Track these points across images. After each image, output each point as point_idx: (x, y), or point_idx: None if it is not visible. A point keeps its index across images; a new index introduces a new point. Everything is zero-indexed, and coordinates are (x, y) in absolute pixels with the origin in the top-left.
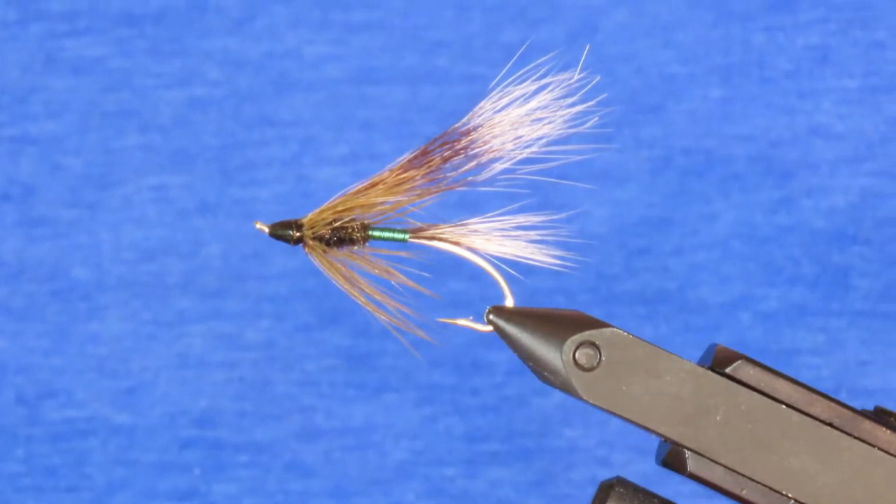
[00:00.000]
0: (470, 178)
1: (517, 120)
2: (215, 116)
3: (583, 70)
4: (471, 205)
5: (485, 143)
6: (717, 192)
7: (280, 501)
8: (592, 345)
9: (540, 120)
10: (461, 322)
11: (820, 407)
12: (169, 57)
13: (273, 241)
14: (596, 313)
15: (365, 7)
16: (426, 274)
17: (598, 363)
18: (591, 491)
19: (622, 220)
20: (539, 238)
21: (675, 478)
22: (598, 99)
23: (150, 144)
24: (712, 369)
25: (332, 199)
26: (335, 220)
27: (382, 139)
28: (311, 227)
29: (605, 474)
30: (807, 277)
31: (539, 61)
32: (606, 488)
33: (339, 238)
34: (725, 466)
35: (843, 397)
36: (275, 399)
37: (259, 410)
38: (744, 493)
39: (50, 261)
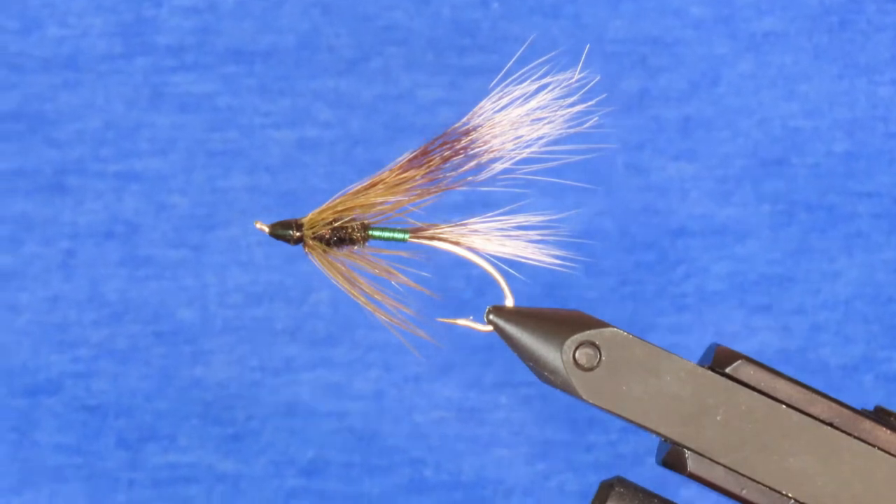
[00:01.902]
0: (470, 178)
1: (517, 119)
2: (325, 159)
3: (703, 121)
4: (471, 205)
5: (485, 142)
6: (839, 250)
7: None
8: (592, 345)
9: (540, 120)
10: (461, 322)
11: (820, 407)
12: (278, 96)
13: None
14: None
15: (479, 51)
16: (426, 274)
17: (598, 363)
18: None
19: (742, 277)
20: (539, 238)
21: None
22: (598, 99)
23: (258, 185)
24: (712, 369)
25: (332, 199)
26: (335, 220)
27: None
28: (311, 227)
29: None
30: None
31: (539, 61)
32: (606, 488)
33: (339, 238)
34: (725, 466)
35: None
36: (383, 451)
37: (367, 462)
38: (744, 493)
39: (154, 302)
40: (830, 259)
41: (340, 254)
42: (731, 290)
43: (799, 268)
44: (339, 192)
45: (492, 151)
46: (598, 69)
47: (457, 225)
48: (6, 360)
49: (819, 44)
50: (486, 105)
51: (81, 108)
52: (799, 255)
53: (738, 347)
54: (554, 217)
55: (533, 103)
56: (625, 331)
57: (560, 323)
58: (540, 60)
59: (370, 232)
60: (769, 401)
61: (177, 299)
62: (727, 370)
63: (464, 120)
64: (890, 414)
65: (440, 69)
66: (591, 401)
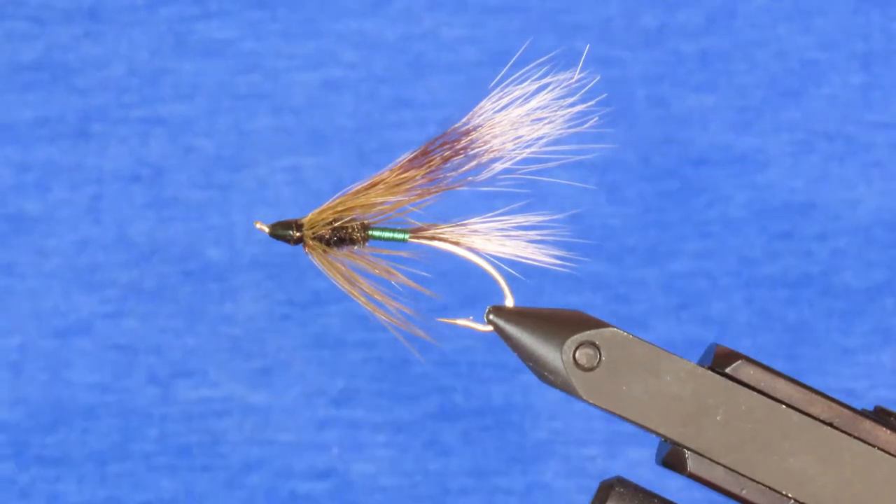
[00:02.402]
0: (470, 178)
1: (517, 119)
2: (350, 98)
3: (721, 54)
4: (471, 205)
5: (485, 142)
6: (859, 178)
7: (418, 481)
8: (592, 345)
9: (540, 119)
10: (461, 322)
11: (820, 407)
12: (302, 39)
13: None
14: (738, 297)
15: None
16: (426, 274)
17: (598, 363)
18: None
19: (764, 205)
20: (539, 238)
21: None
22: (597, 99)
23: (284, 126)
24: (712, 369)
25: (332, 199)
26: (335, 220)
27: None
28: (311, 227)
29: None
30: None
31: (539, 60)
32: (606, 488)
33: (340, 238)
34: (725, 466)
35: None
36: (413, 379)
37: (396, 390)
38: (744, 493)
39: (182, 242)
40: (850, 187)
41: (340, 254)
42: (753, 217)
43: (819, 195)
44: (340, 192)
45: (492, 151)
46: (618, 4)
47: (457, 225)
48: (36, 303)
49: None
50: (487, 105)
51: (104, 57)
52: (819, 182)
53: (761, 270)
54: (554, 217)
55: (533, 103)
56: (625, 331)
57: (560, 323)
58: (541, 60)
59: (370, 232)
60: (769, 401)
61: (204, 239)
62: (727, 370)
63: (464, 120)
64: (890, 414)
65: (462, 7)
66: (590, 401)
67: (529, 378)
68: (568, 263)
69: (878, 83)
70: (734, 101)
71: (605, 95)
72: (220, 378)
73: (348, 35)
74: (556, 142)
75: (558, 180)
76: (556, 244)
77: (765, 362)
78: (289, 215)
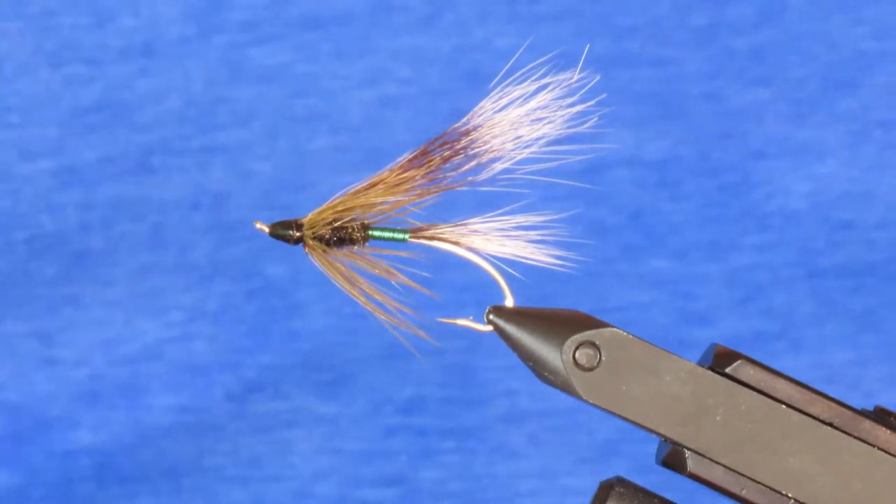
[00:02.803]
0: (470, 178)
1: (518, 119)
2: (407, 114)
3: (774, 47)
4: (471, 205)
5: (485, 142)
6: None
7: (487, 484)
8: (592, 345)
9: (541, 119)
10: (461, 322)
11: (820, 407)
12: (355, 58)
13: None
14: (801, 288)
15: None
16: (426, 273)
17: (598, 363)
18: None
19: (824, 196)
20: (540, 238)
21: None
22: (597, 99)
23: (342, 145)
24: (712, 369)
25: (332, 199)
26: (335, 220)
27: (579, 123)
28: (311, 227)
29: None
30: None
31: (540, 60)
32: (606, 488)
33: (339, 238)
34: (725, 466)
35: None
36: (480, 384)
37: (463, 396)
38: (744, 493)
39: (244, 262)
40: None
41: (340, 254)
42: (814, 208)
43: (878, 184)
44: (339, 192)
45: (492, 151)
46: (669, 4)
47: (457, 225)
48: (100, 332)
49: None
50: (487, 105)
51: (161, 91)
52: (877, 170)
53: (823, 263)
54: (555, 217)
55: (533, 103)
56: (625, 331)
57: (560, 323)
58: (541, 60)
59: (370, 232)
60: (769, 401)
61: (266, 257)
62: (727, 370)
63: (464, 120)
64: (890, 414)
65: (513, 17)
66: (590, 401)
67: None
68: (568, 264)
69: None
70: (789, 94)
71: (604, 95)
72: (292, 391)
73: (401, 51)
74: (563, 141)
75: (559, 180)
76: (556, 244)
77: (828, 353)
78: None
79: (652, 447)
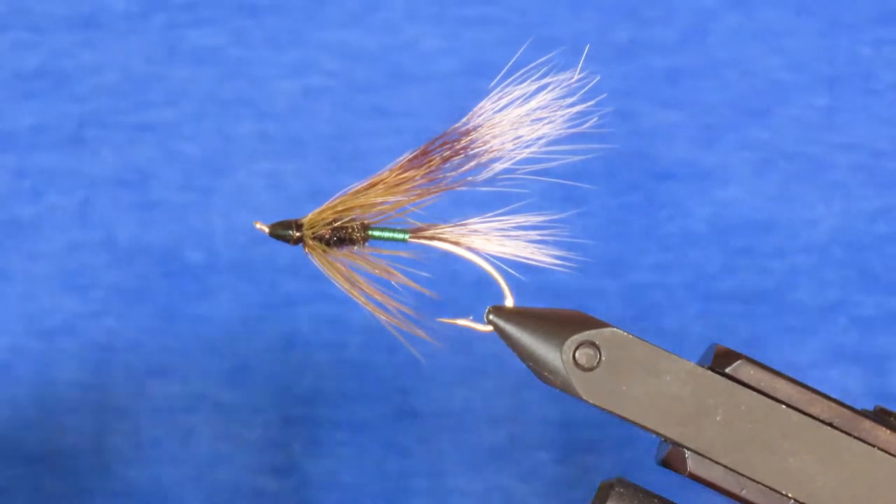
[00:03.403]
0: (470, 178)
1: (517, 119)
2: (330, 106)
3: (690, 71)
4: (473, 204)
5: (485, 142)
6: (818, 198)
7: (377, 479)
8: (592, 345)
9: (540, 119)
10: (461, 322)
11: (820, 407)
12: (286, 47)
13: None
14: (692, 309)
15: (480, 3)
16: (426, 274)
17: (598, 363)
18: (678, 479)
19: (725, 221)
20: (540, 238)
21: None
22: (597, 99)
23: (265, 132)
24: (712, 369)
25: (332, 199)
26: (335, 220)
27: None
28: (311, 227)
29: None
30: None
31: (540, 60)
32: (606, 488)
33: (339, 238)
34: (725, 466)
35: None
36: (377, 381)
37: (361, 390)
38: (744, 493)
39: (164, 244)
40: (809, 207)
41: (340, 254)
42: (713, 233)
43: (778, 214)
44: (340, 192)
45: (491, 151)
46: (591, 19)
47: (457, 225)
48: (27, 304)
49: (803, 1)
50: (486, 105)
51: (101, 64)
52: (779, 201)
53: (717, 287)
54: (553, 217)
55: (533, 103)
56: (625, 331)
57: (560, 323)
58: (540, 60)
59: (370, 232)
60: (769, 401)
61: (185, 241)
62: (727, 370)
63: (463, 120)
64: (890, 414)
65: (441, 20)
66: (591, 401)
67: (489, 383)
68: (568, 264)
69: (842, 106)
70: (701, 119)
71: (604, 95)
72: (194, 376)
73: (330, 44)
74: (553, 142)
75: (557, 180)
76: (557, 244)
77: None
78: (265, 219)
79: (537, 454)
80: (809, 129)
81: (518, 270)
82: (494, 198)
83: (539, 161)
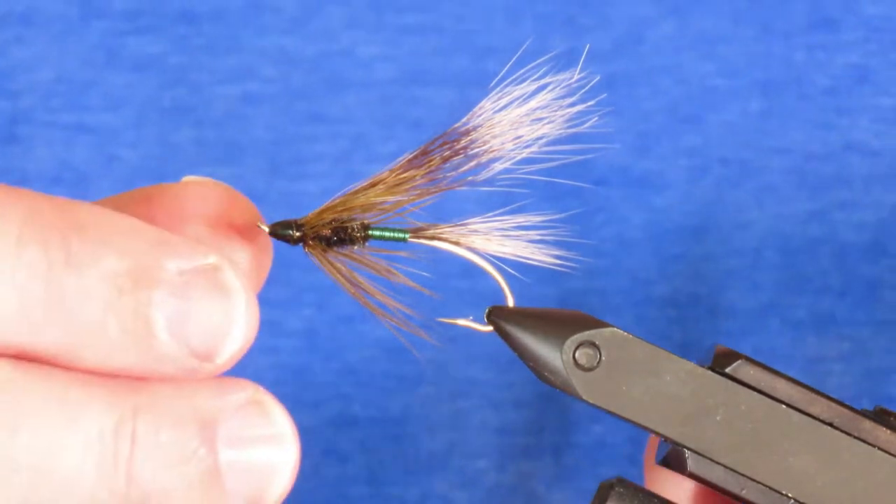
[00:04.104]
0: (470, 178)
1: (517, 120)
2: (267, 112)
3: (626, 78)
4: (472, 204)
5: (484, 143)
6: (752, 202)
7: (315, 485)
8: (592, 345)
9: (540, 120)
10: (461, 322)
11: (820, 407)
12: (225, 54)
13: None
14: (628, 315)
15: (418, 10)
16: (426, 273)
17: (598, 363)
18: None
19: (659, 227)
20: (539, 238)
21: None
22: (597, 99)
23: (204, 138)
24: (712, 369)
25: (332, 199)
26: (335, 220)
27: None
28: (312, 227)
29: (632, 471)
30: (835, 288)
31: (538, 61)
32: (607, 488)
33: (340, 238)
34: (725, 466)
35: (866, 405)
36: (314, 386)
37: (298, 396)
38: (744, 493)
39: None
40: (742, 210)
41: (341, 253)
42: (648, 239)
43: (712, 218)
44: (340, 192)
45: (491, 151)
46: (530, 28)
47: (457, 225)
48: None
49: (738, 8)
50: (486, 105)
51: (34, 62)
52: (712, 206)
53: (651, 292)
54: (552, 217)
55: (532, 103)
56: (625, 331)
57: (560, 323)
58: (538, 62)
59: (370, 232)
60: (769, 401)
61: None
62: (727, 370)
63: (463, 120)
64: (890, 414)
65: (379, 27)
66: (591, 401)
67: (428, 390)
68: (568, 263)
69: (775, 110)
70: (636, 125)
71: (605, 95)
72: None
73: (268, 51)
74: (553, 142)
75: (556, 180)
76: (557, 244)
77: None
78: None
79: (475, 461)
80: (743, 133)
81: (457, 278)
82: (489, 196)
83: (536, 161)
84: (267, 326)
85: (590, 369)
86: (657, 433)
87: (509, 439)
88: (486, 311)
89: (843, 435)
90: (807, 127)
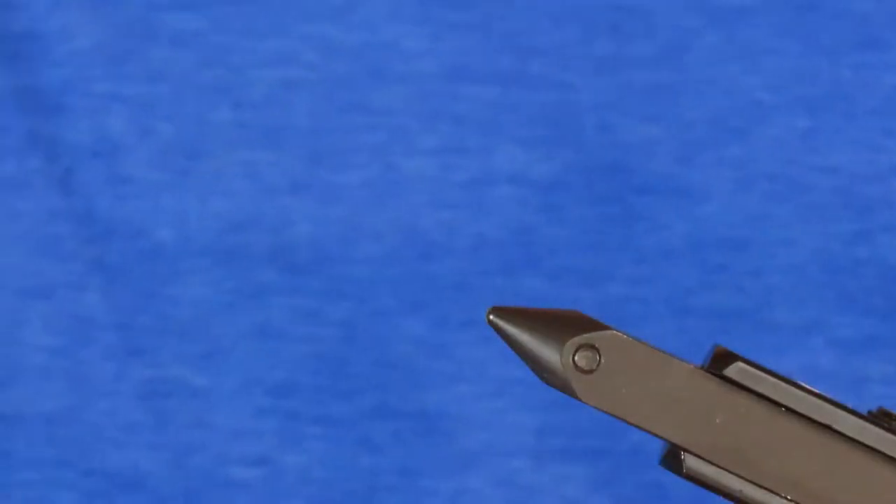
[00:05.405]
0: None
1: None
2: (308, 99)
3: (670, 87)
4: None
5: None
6: (796, 219)
7: (348, 475)
8: (592, 347)
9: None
10: None
11: (820, 409)
12: (266, 37)
13: (358, 225)
14: (668, 325)
15: (463, 8)
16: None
17: (598, 365)
18: (653, 493)
19: (702, 237)
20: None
21: None
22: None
23: (243, 120)
24: (711, 372)
25: None
26: None
27: (472, 135)
28: None
29: (668, 478)
30: (879, 309)
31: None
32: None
33: None
34: (725, 469)
35: None
36: (351, 376)
37: (335, 386)
38: (743, 496)
39: (136, 221)
40: (787, 226)
41: None
42: (690, 249)
43: (756, 233)
44: None
45: None
46: (575, 31)
47: None
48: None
49: (785, 22)
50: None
51: (72, 30)
52: (757, 220)
53: (693, 302)
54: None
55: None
56: (625, 333)
57: (560, 324)
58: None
59: None
60: (768, 403)
61: (157, 220)
62: (726, 372)
63: None
64: (891, 416)
65: (423, 21)
66: (590, 403)
67: (464, 388)
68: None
69: (821, 128)
70: (680, 135)
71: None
72: (168, 359)
73: (311, 37)
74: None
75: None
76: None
77: None
78: (243, 207)
79: (509, 461)
80: (789, 149)
81: (498, 276)
82: None
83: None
84: (306, 315)
85: (589, 372)
86: (657, 436)
87: (546, 441)
88: (487, 310)
89: (843, 437)
90: (853, 147)
